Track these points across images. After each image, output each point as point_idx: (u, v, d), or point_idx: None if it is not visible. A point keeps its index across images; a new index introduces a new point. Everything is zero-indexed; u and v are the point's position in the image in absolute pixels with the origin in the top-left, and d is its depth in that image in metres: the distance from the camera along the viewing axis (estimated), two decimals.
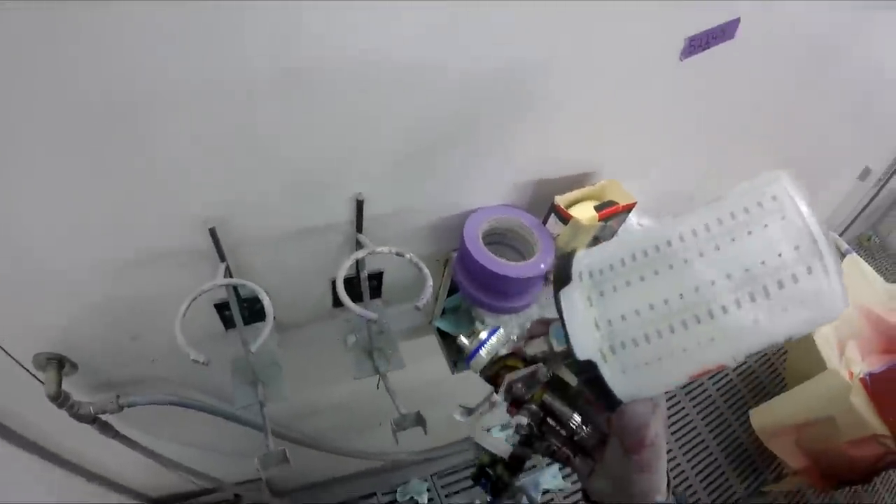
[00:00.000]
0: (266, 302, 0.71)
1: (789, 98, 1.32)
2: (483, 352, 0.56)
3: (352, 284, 0.76)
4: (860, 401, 1.78)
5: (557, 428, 0.49)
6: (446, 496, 2.11)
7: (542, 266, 0.92)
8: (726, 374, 2.69)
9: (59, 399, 0.80)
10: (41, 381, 0.82)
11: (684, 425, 2.50)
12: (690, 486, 2.37)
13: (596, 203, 0.99)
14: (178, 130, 0.65)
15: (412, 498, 2.06)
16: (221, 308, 0.92)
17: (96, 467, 1.29)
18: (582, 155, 1.06)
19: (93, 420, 0.87)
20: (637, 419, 0.41)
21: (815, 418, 1.91)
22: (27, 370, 0.85)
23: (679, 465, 2.40)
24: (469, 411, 0.56)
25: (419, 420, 0.96)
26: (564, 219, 0.96)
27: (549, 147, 0.98)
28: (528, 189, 1.05)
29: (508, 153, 0.94)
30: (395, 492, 2.07)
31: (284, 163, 0.75)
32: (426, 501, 2.05)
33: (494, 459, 0.57)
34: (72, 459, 1.17)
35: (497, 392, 0.53)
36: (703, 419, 2.54)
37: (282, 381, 0.93)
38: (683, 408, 2.55)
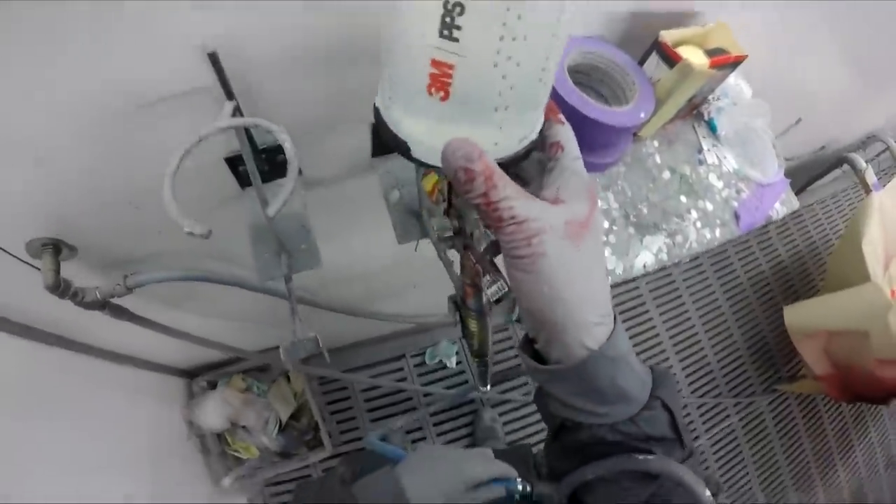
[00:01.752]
0: (287, 145, 0.50)
1: None
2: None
3: None
4: None
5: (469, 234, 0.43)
6: None
7: (643, 115, 0.68)
8: (758, 265, 2.54)
9: (60, 288, 0.68)
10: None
11: (712, 309, 2.40)
12: (711, 370, 2.32)
13: (699, 49, 0.76)
14: None
15: (441, 360, 1.99)
16: (234, 163, 0.72)
17: (123, 349, 1.20)
18: None
19: (102, 306, 0.75)
20: (450, 161, 0.31)
21: (849, 329, 1.80)
22: (22, 261, 0.71)
23: (703, 348, 2.34)
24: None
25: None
26: (671, 60, 0.73)
27: None
28: (621, 23, 0.80)
29: None
30: (424, 353, 2.00)
31: None
32: (455, 364, 1.99)
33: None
34: (96, 345, 1.08)
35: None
36: (731, 306, 2.43)
37: (313, 247, 0.74)
38: (713, 292, 2.43)
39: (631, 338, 2.23)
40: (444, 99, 0.32)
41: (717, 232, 0.83)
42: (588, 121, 0.64)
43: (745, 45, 0.80)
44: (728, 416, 2.30)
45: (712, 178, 0.88)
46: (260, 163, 0.69)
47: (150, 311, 0.95)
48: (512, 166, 0.36)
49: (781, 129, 1.32)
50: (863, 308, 1.74)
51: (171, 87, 0.59)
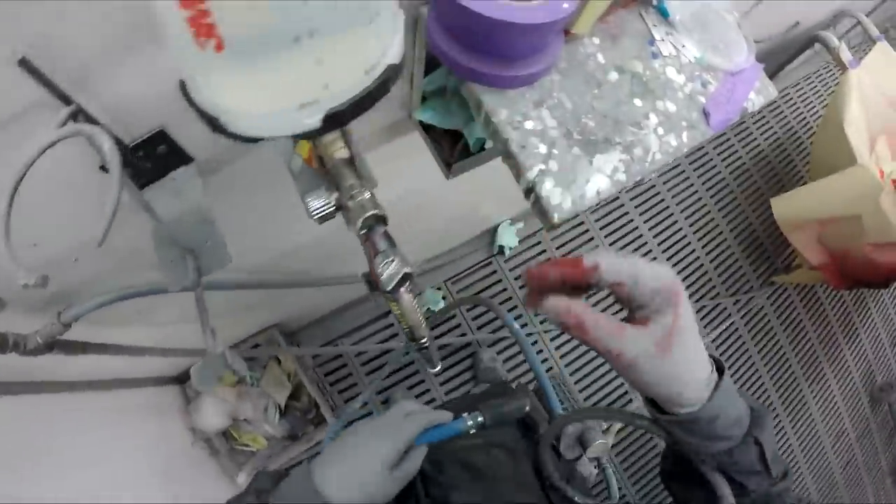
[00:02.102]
0: (105, 146, 0.43)
1: None
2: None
3: None
4: (890, 204, 1.58)
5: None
6: None
7: (566, 6, 0.54)
8: (739, 158, 2.43)
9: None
10: None
11: (698, 209, 2.31)
12: (706, 272, 2.26)
13: None
14: None
15: (429, 308, 1.92)
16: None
17: (104, 374, 1.16)
18: None
19: (49, 347, 0.72)
20: (550, 319, 0.41)
21: (841, 215, 1.72)
22: None
23: (694, 250, 2.26)
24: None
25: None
26: None
27: None
28: None
29: None
30: None
31: None
32: None
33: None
34: (69, 379, 1.04)
35: None
36: (716, 204, 2.34)
37: (219, 243, 0.65)
38: (696, 191, 2.32)
39: (619, 250, 2.22)
40: (219, 47, 0.25)
41: (685, 136, 0.71)
42: (498, 25, 0.51)
43: None
44: (729, 315, 2.26)
45: (671, 72, 0.75)
46: (139, 161, 0.58)
47: (116, 333, 0.91)
48: (369, 106, 0.29)
49: (744, 9, 1.17)
50: (853, 192, 1.66)
51: (5, 111, 0.50)
